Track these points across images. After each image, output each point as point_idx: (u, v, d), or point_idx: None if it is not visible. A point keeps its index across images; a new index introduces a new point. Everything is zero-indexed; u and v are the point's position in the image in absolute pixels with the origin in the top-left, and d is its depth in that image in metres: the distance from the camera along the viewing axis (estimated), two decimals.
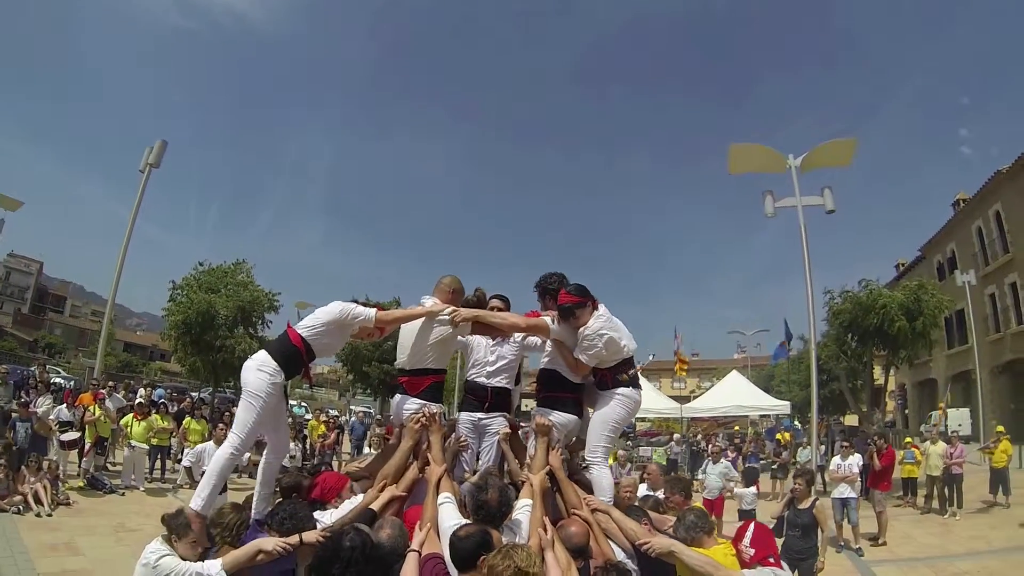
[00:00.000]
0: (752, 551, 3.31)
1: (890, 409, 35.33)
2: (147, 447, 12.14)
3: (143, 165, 14.58)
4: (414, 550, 2.57)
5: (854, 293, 16.89)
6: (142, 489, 11.47)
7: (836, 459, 10.30)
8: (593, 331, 3.47)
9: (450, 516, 2.84)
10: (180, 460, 13.23)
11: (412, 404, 3.48)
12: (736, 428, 23.15)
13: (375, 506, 3.03)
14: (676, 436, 20.71)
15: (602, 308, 3.59)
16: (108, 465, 12.57)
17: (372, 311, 3.43)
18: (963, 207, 30.00)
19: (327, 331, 3.35)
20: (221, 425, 13.04)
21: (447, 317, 3.46)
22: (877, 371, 20.35)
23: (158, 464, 12.96)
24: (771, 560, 3.23)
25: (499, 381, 3.84)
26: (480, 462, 3.77)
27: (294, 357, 3.27)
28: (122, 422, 12.26)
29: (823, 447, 15.58)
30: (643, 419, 23.86)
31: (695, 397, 25.62)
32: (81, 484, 10.64)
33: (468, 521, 2.73)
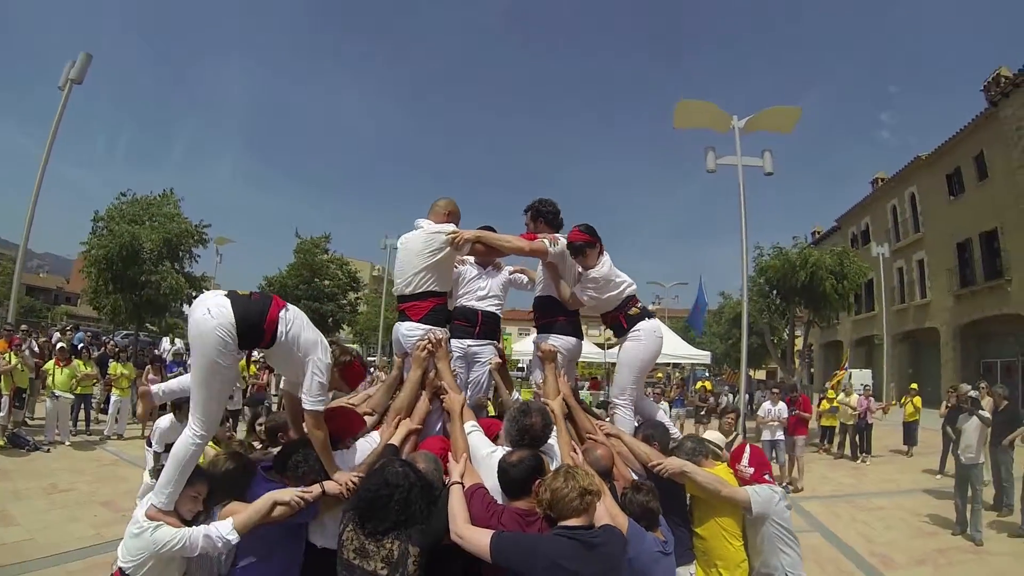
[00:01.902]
0: (751, 470, 3.47)
1: (797, 367, 37.86)
2: (72, 397, 11.22)
3: (63, 81, 13.43)
4: (457, 482, 2.47)
5: (786, 250, 17.80)
6: (68, 443, 10.69)
7: (767, 404, 11.13)
8: (602, 276, 3.60)
9: (484, 444, 2.81)
10: (105, 409, 12.72)
11: (416, 330, 3.28)
12: (659, 376, 24.18)
13: (394, 442, 2.85)
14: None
15: (606, 258, 3.70)
16: (27, 419, 11.41)
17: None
18: (881, 186, 32.17)
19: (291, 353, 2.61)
20: (149, 369, 12.51)
21: (448, 237, 3.31)
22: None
23: (81, 415, 12.11)
24: (767, 478, 3.44)
25: (489, 306, 3.79)
26: (468, 393, 3.54)
27: (255, 335, 2.50)
28: (44, 369, 11.21)
29: (735, 397, 16.63)
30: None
31: (611, 345, 26.49)
32: (1, 443, 9.77)
33: (505, 447, 2.73)
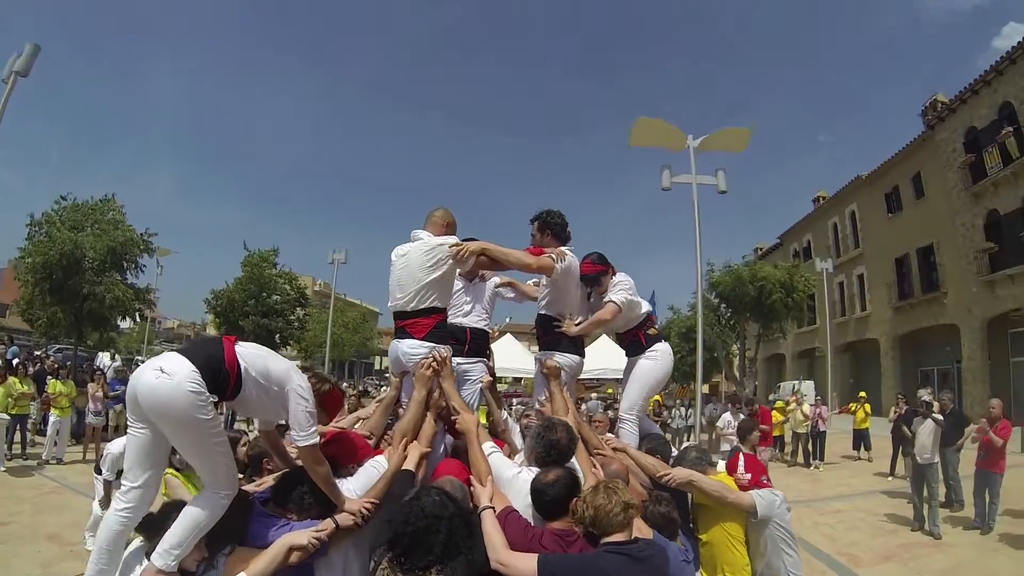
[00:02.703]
0: (748, 476, 3.59)
1: (743, 379, 39.47)
2: (7, 418, 10.37)
3: (6, 74, 12.82)
4: (488, 507, 2.40)
5: (736, 266, 18.66)
6: (3, 469, 9.91)
7: (727, 416, 11.55)
8: (625, 301, 3.73)
9: (506, 465, 2.76)
10: (42, 431, 11.90)
11: (420, 348, 3.12)
12: (609, 391, 24.57)
13: (409, 466, 2.69)
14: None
15: (620, 274, 3.84)
16: None
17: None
18: (823, 204, 33.86)
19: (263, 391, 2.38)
20: (94, 386, 11.97)
21: (451, 250, 3.17)
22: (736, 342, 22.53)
23: (17, 438, 11.20)
24: (765, 482, 3.58)
25: (476, 321, 3.78)
26: None
27: (219, 383, 2.24)
28: None
29: (689, 410, 17.12)
30: (508, 379, 24.76)
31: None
32: None
33: (529, 467, 2.72)
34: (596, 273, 3.78)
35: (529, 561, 2.14)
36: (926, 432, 8.54)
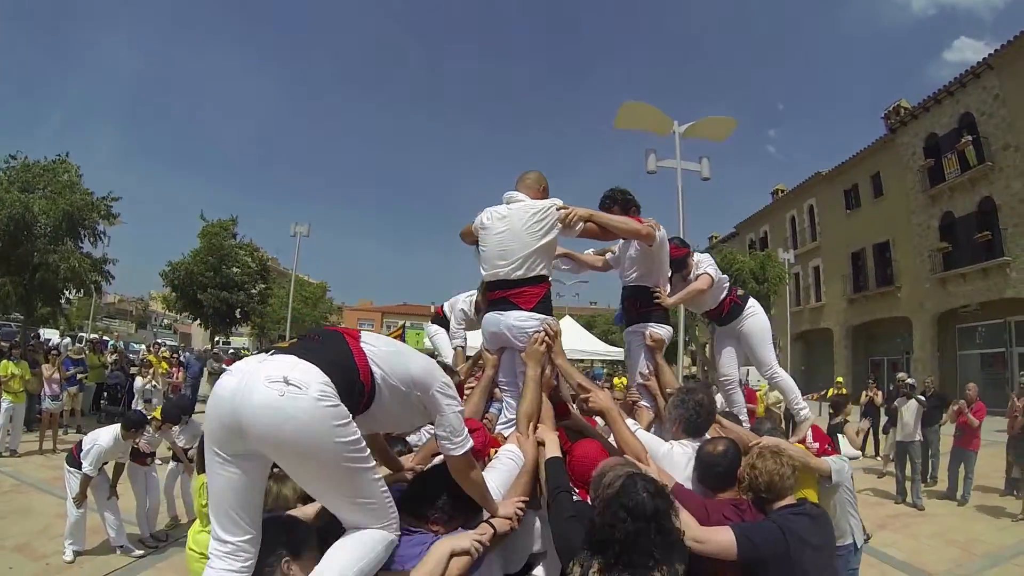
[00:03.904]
0: (816, 445, 3.90)
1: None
2: None
3: None
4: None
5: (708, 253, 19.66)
6: None
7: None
8: (720, 276, 4.08)
9: (657, 441, 2.74)
10: None
11: (531, 320, 2.89)
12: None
13: (551, 452, 2.42)
14: None
15: (697, 253, 4.14)
16: None
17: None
18: (781, 197, 35.64)
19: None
20: (48, 367, 11.23)
21: (561, 213, 3.03)
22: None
23: None
24: (831, 449, 3.95)
25: None
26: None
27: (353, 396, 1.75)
28: None
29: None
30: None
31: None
32: None
33: (676, 441, 2.76)
34: (684, 255, 3.99)
35: (725, 534, 2.13)
36: (910, 412, 9.47)
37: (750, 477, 2.40)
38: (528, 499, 2.25)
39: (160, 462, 7.06)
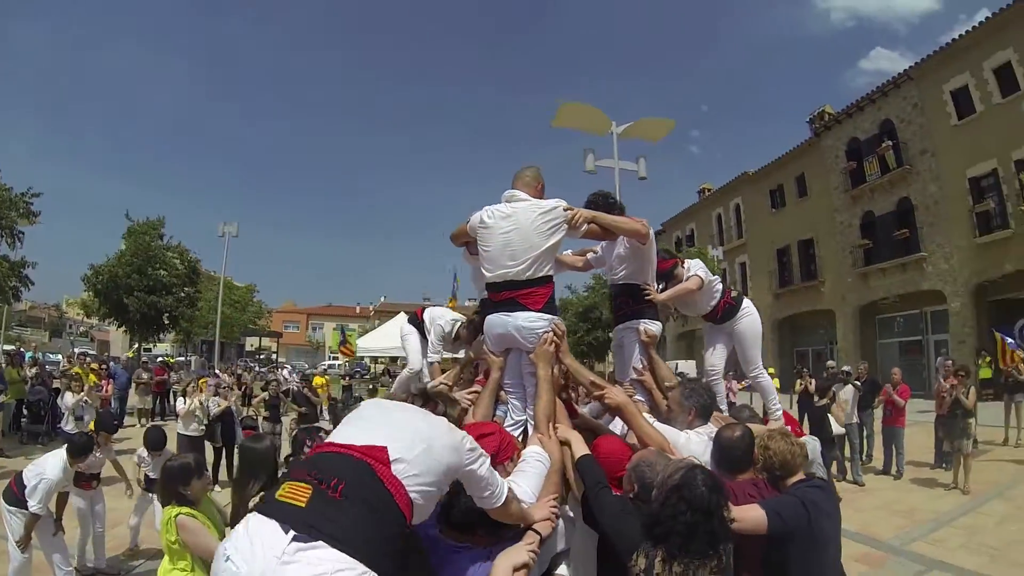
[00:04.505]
0: (788, 427, 4.09)
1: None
2: None
3: None
4: None
5: None
6: None
7: None
8: (711, 279, 4.39)
9: (673, 431, 2.86)
10: None
11: (539, 321, 2.90)
12: None
13: (580, 451, 2.52)
14: None
15: (689, 260, 4.39)
16: None
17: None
18: (708, 195, 37.32)
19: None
20: None
21: (567, 214, 3.06)
22: None
23: None
24: (800, 431, 4.42)
25: None
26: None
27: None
28: None
29: None
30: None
31: None
32: None
33: (689, 430, 2.93)
34: (672, 267, 4.25)
35: (756, 511, 2.34)
36: (847, 396, 10.39)
37: (764, 458, 2.64)
38: (558, 497, 2.34)
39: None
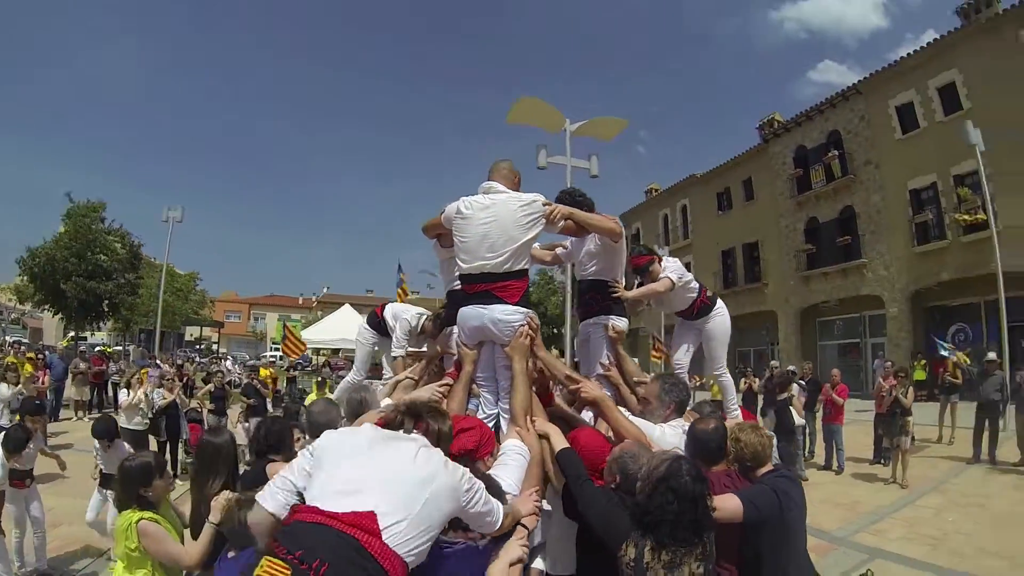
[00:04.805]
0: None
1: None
2: None
3: None
4: None
5: None
6: None
7: None
8: (686, 280, 4.46)
9: (648, 424, 2.92)
10: None
11: (515, 314, 2.92)
12: None
13: (560, 444, 2.57)
14: None
15: (668, 259, 4.48)
16: None
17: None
18: (655, 195, 38.00)
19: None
20: None
21: (546, 209, 3.08)
22: None
23: None
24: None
25: None
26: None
27: None
28: None
29: None
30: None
31: None
32: None
33: (665, 423, 2.99)
34: (647, 263, 4.36)
35: (733, 501, 2.46)
36: (793, 396, 10.87)
37: (736, 450, 2.78)
38: (540, 489, 2.41)
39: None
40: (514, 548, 2.03)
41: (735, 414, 4.73)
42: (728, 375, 4.93)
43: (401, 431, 1.95)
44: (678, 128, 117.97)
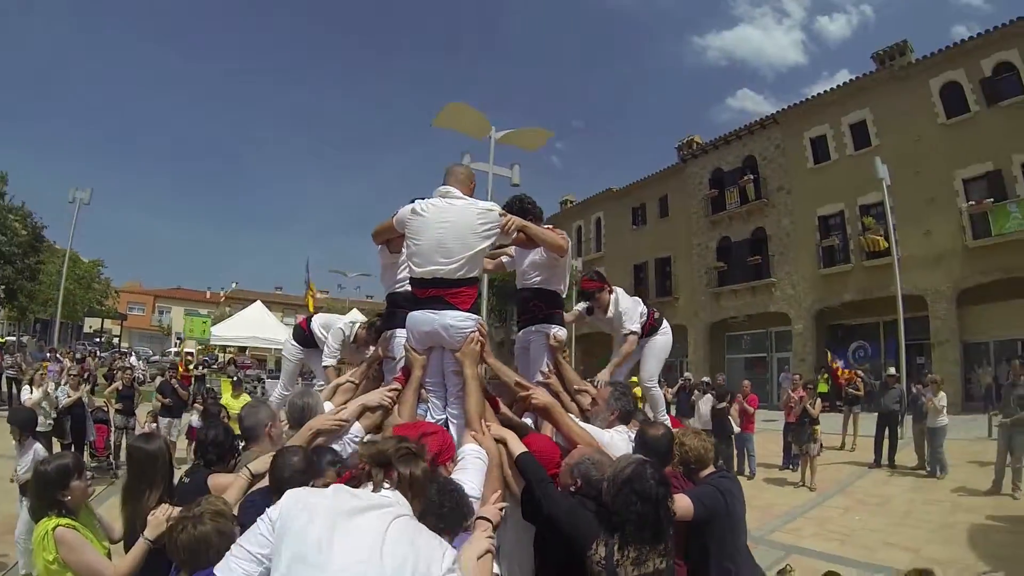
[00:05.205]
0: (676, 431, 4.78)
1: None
2: None
3: None
4: None
5: None
6: None
7: None
8: (629, 307, 4.62)
9: (599, 430, 3.03)
10: None
11: (468, 321, 2.95)
12: None
13: (517, 448, 2.64)
14: None
15: (617, 291, 4.70)
16: None
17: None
18: (570, 207, 38.64)
19: None
20: None
21: (501, 220, 3.11)
22: None
23: None
24: None
25: None
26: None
27: None
28: None
29: None
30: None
31: None
32: None
33: (618, 429, 3.12)
34: (595, 289, 4.61)
35: (684, 500, 2.65)
36: (706, 405, 11.37)
37: (681, 453, 2.97)
38: (502, 493, 2.49)
39: None
40: (481, 541, 2.03)
41: (665, 423, 4.87)
42: (658, 388, 5.16)
43: (370, 485, 1.78)
44: (595, 143, 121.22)
